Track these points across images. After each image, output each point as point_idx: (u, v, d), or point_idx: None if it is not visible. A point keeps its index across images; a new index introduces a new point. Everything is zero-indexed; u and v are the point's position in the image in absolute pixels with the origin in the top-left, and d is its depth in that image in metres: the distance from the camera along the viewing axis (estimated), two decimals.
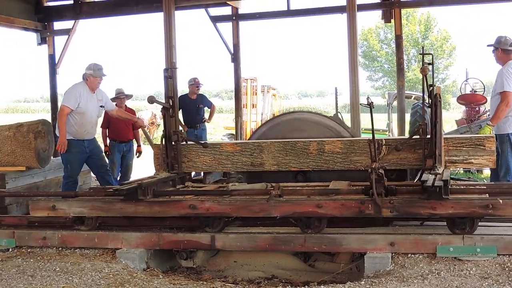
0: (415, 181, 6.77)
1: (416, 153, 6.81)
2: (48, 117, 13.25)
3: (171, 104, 7.43)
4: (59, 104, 9.75)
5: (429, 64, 6.32)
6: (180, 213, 6.32)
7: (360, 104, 11.11)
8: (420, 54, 6.45)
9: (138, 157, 11.89)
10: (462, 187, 6.59)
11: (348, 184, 6.85)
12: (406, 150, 6.83)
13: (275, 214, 6.04)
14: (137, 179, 7.24)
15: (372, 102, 6.00)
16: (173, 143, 7.47)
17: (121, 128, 11.26)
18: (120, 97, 11.41)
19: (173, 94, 7.60)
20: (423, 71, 6.24)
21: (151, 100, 7.32)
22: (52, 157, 10.00)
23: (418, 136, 6.63)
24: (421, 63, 6.33)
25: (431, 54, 6.54)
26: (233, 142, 7.57)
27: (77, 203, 6.72)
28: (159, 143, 7.41)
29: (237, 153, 7.40)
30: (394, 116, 16.71)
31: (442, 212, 5.69)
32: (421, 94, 6.92)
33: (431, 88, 6.38)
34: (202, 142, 7.73)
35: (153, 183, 6.78)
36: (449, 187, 5.84)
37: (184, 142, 7.62)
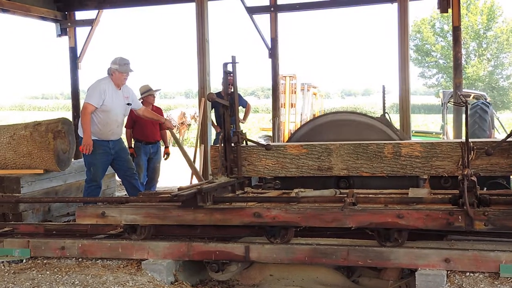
0: None
1: (509, 158, 6.68)
2: (69, 116, 13.39)
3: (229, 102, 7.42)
4: (81, 101, 9.83)
5: None
6: (244, 221, 6.27)
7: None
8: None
9: (166, 159, 11.95)
10: None
11: (429, 192, 6.77)
12: (498, 154, 6.68)
13: (349, 224, 5.95)
14: (194, 184, 7.22)
15: (467, 101, 5.90)
16: (232, 144, 7.48)
17: (148, 128, 11.29)
18: (152, 93, 11.46)
19: (234, 91, 7.59)
20: None
21: (211, 98, 7.35)
22: (73, 159, 10.09)
23: None
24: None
25: None
26: (299, 144, 7.51)
27: (129, 210, 6.67)
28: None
29: (303, 156, 7.38)
30: (449, 117, 16.58)
31: None
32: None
33: None
34: (265, 143, 7.70)
35: (213, 188, 6.75)
36: None
37: (245, 144, 7.63)
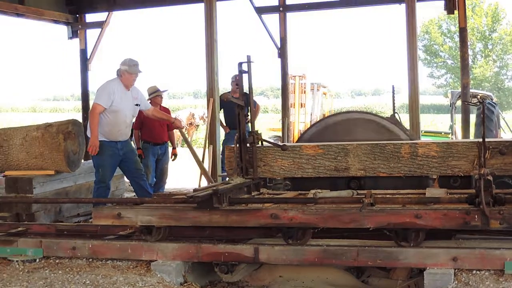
0: None
1: None
2: (79, 117, 13.41)
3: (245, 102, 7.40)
4: (91, 103, 9.84)
5: None
6: (260, 223, 6.21)
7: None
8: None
9: (173, 160, 11.94)
10: None
11: (445, 192, 6.73)
12: None
13: (367, 225, 5.91)
14: (210, 185, 7.19)
15: (484, 100, 5.89)
16: (247, 145, 7.42)
17: (156, 129, 11.29)
18: (160, 94, 11.45)
19: (249, 91, 7.55)
20: None
21: (226, 98, 7.32)
22: (83, 160, 10.09)
23: None
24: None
25: None
26: (315, 144, 7.46)
27: (145, 211, 6.62)
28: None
29: (319, 157, 7.33)
30: (458, 117, 16.53)
31: None
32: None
33: None
34: (281, 144, 7.65)
35: (229, 189, 6.68)
36: None
37: (260, 144, 7.59)
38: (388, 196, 6.56)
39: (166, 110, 11.82)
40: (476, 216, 5.63)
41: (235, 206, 6.52)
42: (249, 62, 7.37)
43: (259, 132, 7.65)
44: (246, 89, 7.61)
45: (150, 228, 6.60)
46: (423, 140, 7.21)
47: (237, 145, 7.35)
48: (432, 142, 7.11)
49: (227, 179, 11.51)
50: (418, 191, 6.92)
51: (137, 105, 9.44)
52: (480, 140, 6.33)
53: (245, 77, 7.44)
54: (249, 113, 7.71)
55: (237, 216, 6.28)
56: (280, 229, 6.25)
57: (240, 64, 7.39)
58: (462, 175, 6.89)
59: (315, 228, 6.12)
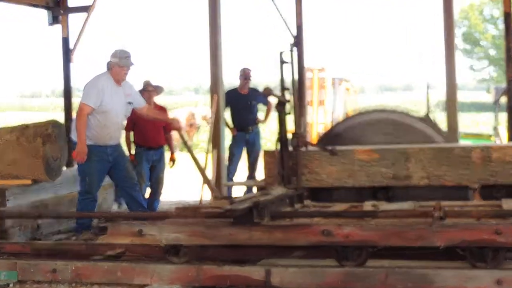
0: None
1: None
2: (60, 117, 13.39)
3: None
4: (74, 100, 9.81)
5: None
6: (310, 241, 6.14)
7: None
8: None
9: (171, 167, 11.86)
10: None
11: None
12: None
13: (438, 242, 5.82)
14: (248, 196, 7.15)
15: None
16: (290, 149, 7.40)
17: (150, 131, 11.14)
18: (147, 89, 11.23)
19: (292, 85, 7.51)
20: None
21: (268, 92, 7.30)
22: (64, 168, 10.06)
23: None
24: None
25: None
26: (369, 149, 7.45)
27: (171, 228, 6.57)
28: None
29: (375, 162, 7.34)
30: (502, 117, 16.46)
31: None
32: None
33: None
34: (329, 148, 7.59)
35: (270, 201, 6.62)
36: None
37: (304, 148, 7.55)
38: (456, 208, 6.52)
39: (163, 110, 11.71)
40: None
41: (278, 221, 6.47)
42: (292, 51, 7.36)
43: (301, 134, 7.60)
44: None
45: (178, 248, 6.53)
46: (497, 143, 7.23)
47: (278, 149, 7.32)
48: (509, 146, 7.12)
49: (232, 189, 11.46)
50: (491, 203, 6.89)
51: (129, 103, 9.38)
52: None
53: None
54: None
55: (283, 233, 6.21)
56: (335, 249, 6.16)
57: (281, 53, 7.37)
58: None
59: (374, 246, 6.05)
